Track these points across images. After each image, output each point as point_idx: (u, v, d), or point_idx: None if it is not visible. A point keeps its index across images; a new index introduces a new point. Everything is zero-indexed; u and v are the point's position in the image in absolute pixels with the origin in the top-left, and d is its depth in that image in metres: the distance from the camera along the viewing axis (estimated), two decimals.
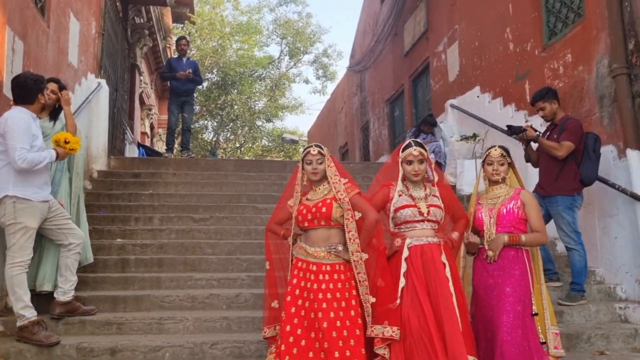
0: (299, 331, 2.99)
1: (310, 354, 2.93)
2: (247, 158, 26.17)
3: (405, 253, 3.12)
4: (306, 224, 3.15)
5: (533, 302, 3.20)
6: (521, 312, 3.13)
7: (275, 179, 7.15)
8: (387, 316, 2.97)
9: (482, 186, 3.59)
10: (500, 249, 3.27)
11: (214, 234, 5.59)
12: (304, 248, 3.15)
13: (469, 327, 3.06)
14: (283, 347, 2.96)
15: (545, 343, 3.19)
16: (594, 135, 4.66)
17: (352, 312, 3.00)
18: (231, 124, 27.29)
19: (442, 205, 3.22)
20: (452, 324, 2.96)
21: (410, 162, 3.24)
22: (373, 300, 3.00)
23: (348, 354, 2.90)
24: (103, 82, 7.32)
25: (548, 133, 4.77)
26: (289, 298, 3.08)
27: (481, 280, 3.29)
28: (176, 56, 9.69)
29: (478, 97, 7.77)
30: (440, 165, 7.71)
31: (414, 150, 3.23)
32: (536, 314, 3.19)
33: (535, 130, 4.72)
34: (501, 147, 3.47)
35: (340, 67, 39.10)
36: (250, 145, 29.71)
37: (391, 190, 3.25)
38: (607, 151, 4.98)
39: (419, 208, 3.16)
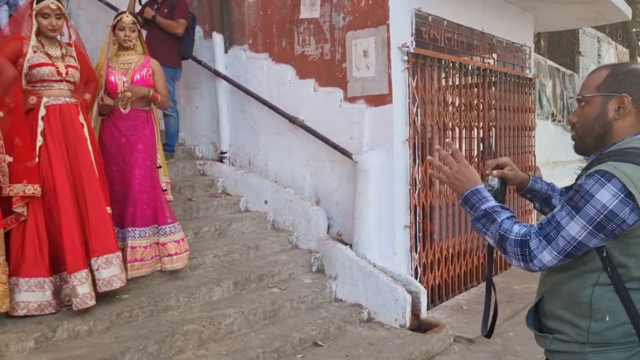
0: None
1: None
2: None
3: (42, 112, 3.10)
4: None
5: (158, 157, 3.72)
6: (150, 165, 3.62)
7: None
8: (25, 175, 2.95)
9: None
10: (137, 98, 3.58)
11: None
12: None
13: (104, 182, 3.36)
14: None
15: (166, 190, 3.80)
16: (193, 15, 5.27)
17: None
18: None
19: (78, 67, 3.28)
20: (90, 180, 3.20)
21: (46, 16, 3.11)
22: (10, 159, 2.91)
23: None
24: None
25: (157, 6, 5.07)
26: None
27: (113, 139, 3.56)
28: None
29: None
30: None
31: (52, 4, 3.11)
32: (160, 167, 3.74)
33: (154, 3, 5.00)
34: (132, 13, 3.67)
35: None
36: None
37: (24, 44, 3.08)
38: (196, 31, 5.71)
39: (58, 68, 3.14)
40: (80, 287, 3.02)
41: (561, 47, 13.16)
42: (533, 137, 6.59)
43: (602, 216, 1.35)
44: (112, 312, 3.20)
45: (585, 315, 1.44)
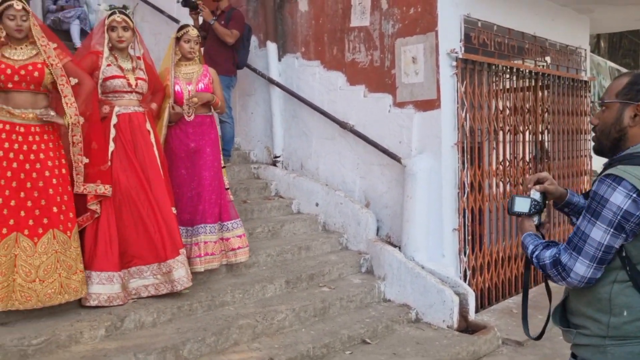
0: (7, 192, 2.98)
1: (22, 213, 3.00)
2: None
3: (114, 120, 3.39)
4: (10, 85, 3.02)
5: (222, 158, 4.00)
6: (217, 166, 3.91)
7: None
8: (99, 176, 3.25)
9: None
10: (201, 103, 3.87)
11: None
12: (5, 110, 3.03)
13: (169, 184, 3.63)
14: None
15: (228, 189, 4.08)
16: (249, 26, 5.52)
17: (64, 171, 3.18)
18: None
19: (147, 79, 3.56)
20: (157, 182, 3.48)
21: (114, 29, 3.41)
22: (87, 161, 3.21)
23: (64, 208, 3.13)
24: None
25: (215, 18, 5.35)
26: (15, 165, 3.00)
27: (182, 145, 3.83)
28: None
29: None
30: (86, 33, 7.48)
31: (117, 17, 3.42)
32: (224, 167, 4.04)
33: (212, 15, 5.27)
34: (194, 26, 3.94)
35: None
36: None
37: (100, 58, 3.39)
38: (251, 41, 5.97)
39: (128, 80, 3.43)
40: (179, 271, 3.37)
41: (622, 47, 12.77)
42: (589, 140, 6.47)
43: (619, 217, 1.44)
44: (174, 306, 3.44)
45: (605, 310, 1.52)
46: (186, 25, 3.92)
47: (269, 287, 3.97)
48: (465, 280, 4.62)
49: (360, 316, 4.01)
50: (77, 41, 7.33)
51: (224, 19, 5.31)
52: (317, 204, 5.19)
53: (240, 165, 5.70)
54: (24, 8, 3.04)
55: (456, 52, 4.51)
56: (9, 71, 3.01)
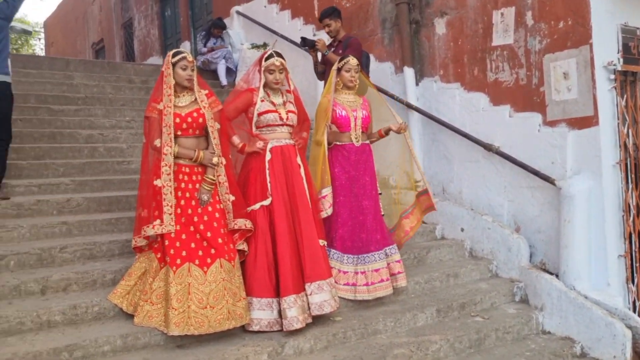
0: (178, 227, 3.25)
1: (192, 245, 3.25)
2: None
3: (269, 156, 3.57)
4: (179, 133, 3.31)
5: (378, 185, 4.07)
6: (375, 195, 4.01)
7: (62, 77, 6.58)
8: (244, 214, 3.45)
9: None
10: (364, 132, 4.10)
11: None
12: (185, 155, 3.33)
13: (319, 217, 3.72)
14: (167, 243, 3.21)
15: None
16: (366, 53, 5.52)
17: (220, 206, 3.39)
18: None
19: (297, 111, 3.71)
20: (306, 215, 3.57)
21: (272, 72, 3.60)
22: (233, 198, 3.40)
23: (227, 239, 3.33)
24: None
25: (332, 49, 5.40)
26: (183, 202, 3.30)
27: (343, 172, 3.97)
28: None
29: (265, 7, 8.16)
30: (231, 71, 8.04)
31: (276, 61, 3.60)
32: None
33: (330, 47, 5.39)
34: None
35: None
36: None
37: (254, 95, 3.60)
38: (386, 67, 6.02)
39: (280, 113, 3.60)
40: (289, 310, 3.35)
41: None
42: None
43: None
44: (329, 333, 3.49)
45: None
46: (347, 56, 4.03)
47: (420, 315, 3.89)
48: (635, 311, 4.19)
49: (519, 349, 3.79)
50: (223, 79, 7.90)
51: (341, 48, 5.35)
52: (462, 229, 5.03)
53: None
54: (192, 60, 3.34)
55: (614, 64, 4.18)
56: (177, 120, 3.30)
